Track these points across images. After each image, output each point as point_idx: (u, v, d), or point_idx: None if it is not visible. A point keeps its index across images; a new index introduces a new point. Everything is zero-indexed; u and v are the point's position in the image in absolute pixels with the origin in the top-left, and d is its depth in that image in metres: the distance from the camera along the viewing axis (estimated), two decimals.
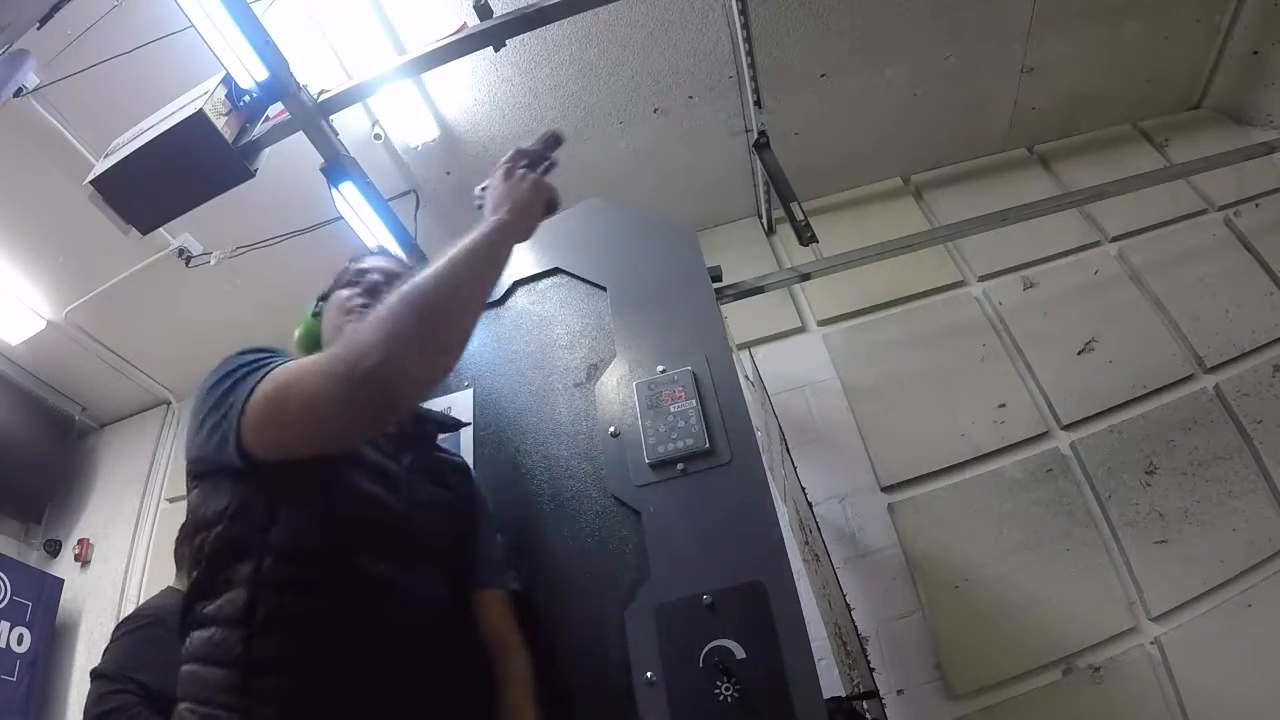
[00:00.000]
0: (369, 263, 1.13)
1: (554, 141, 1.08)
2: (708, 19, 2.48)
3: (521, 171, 1.00)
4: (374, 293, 1.04)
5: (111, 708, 1.35)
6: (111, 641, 1.49)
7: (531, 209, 0.96)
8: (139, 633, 1.48)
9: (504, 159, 1.04)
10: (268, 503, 0.79)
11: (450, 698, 0.87)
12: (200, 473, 0.83)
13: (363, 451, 0.91)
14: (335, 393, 0.71)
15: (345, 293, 1.07)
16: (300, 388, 0.74)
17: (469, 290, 0.81)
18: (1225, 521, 2.27)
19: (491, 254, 0.87)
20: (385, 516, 0.89)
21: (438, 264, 0.80)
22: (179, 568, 1.60)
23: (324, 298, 1.14)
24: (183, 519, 0.93)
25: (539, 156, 1.06)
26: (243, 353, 0.83)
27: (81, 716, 1.40)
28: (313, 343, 1.11)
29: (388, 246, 2.27)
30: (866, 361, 2.70)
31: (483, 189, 1.03)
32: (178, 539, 1.54)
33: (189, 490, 0.86)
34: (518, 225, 0.92)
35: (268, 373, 0.77)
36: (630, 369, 1.25)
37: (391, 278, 1.09)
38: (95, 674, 1.42)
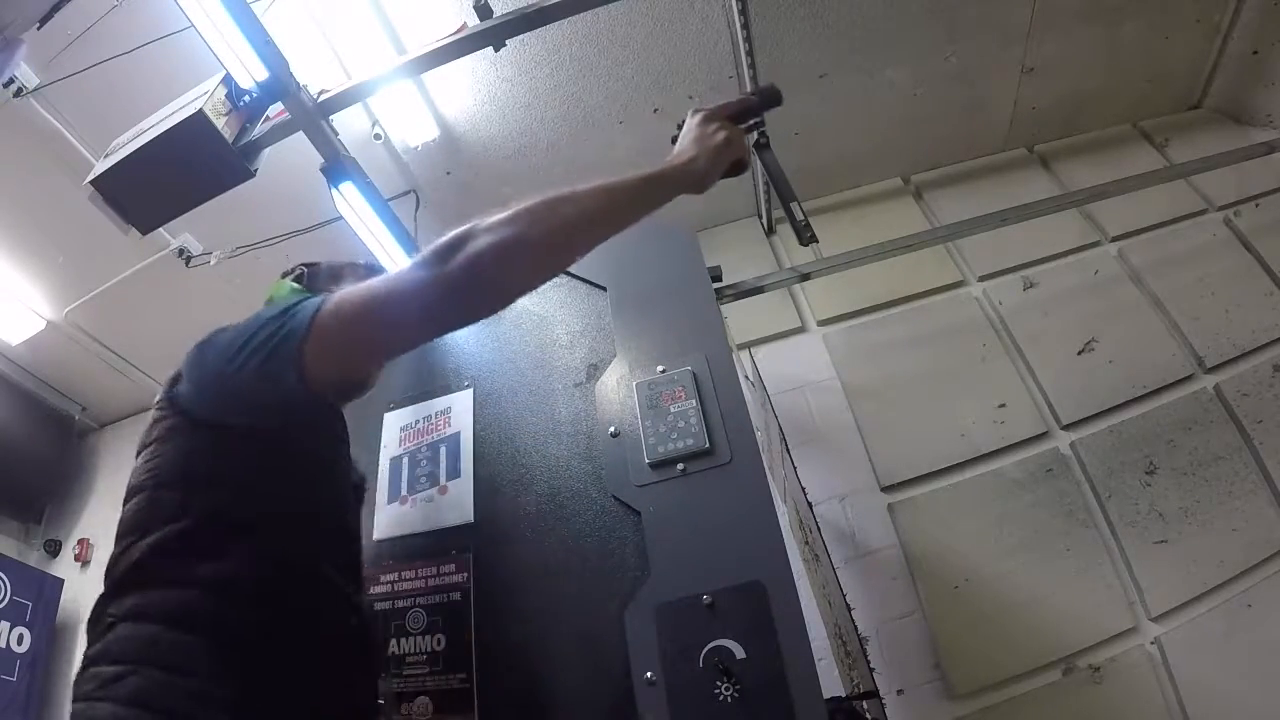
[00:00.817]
0: None
1: (772, 98, 1.00)
2: (708, 19, 2.47)
3: (720, 124, 0.94)
4: None
5: None
6: None
7: (714, 163, 0.91)
8: None
9: (712, 105, 0.97)
10: (279, 477, 0.79)
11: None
12: (202, 419, 0.77)
13: (354, 472, 0.95)
14: (444, 271, 0.70)
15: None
16: (391, 285, 0.73)
17: (604, 217, 0.79)
18: (1225, 521, 2.27)
19: (646, 194, 0.84)
20: (357, 545, 0.94)
21: (594, 183, 0.78)
22: None
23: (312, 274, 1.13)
24: None
25: (748, 111, 0.98)
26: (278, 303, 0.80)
27: None
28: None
29: (388, 246, 2.27)
30: (866, 361, 2.70)
31: (681, 124, 0.96)
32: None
33: (162, 433, 0.79)
34: (689, 177, 0.89)
35: (328, 298, 0.75)
36: (630, 369, 1.25)
37: None
38: None
